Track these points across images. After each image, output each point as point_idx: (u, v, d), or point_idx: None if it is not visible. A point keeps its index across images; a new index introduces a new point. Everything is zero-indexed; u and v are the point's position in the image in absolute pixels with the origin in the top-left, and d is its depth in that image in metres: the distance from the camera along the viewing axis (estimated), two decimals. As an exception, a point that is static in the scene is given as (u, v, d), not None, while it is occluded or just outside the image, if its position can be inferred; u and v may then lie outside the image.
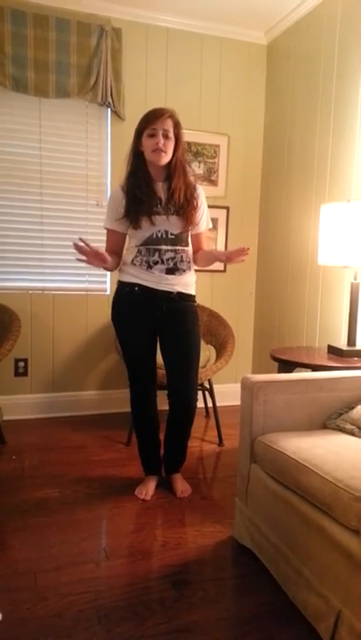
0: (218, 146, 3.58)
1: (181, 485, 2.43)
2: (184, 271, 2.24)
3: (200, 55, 3.49)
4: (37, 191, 3.29)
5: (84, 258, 2.10)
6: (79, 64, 3.14)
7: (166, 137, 2.10)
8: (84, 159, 3.36)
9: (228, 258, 2.12)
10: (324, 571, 1.47)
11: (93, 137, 3.36)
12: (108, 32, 3.16)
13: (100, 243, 3.40)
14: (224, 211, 3.63)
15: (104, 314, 3.46)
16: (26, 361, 3.38)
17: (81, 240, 2.07)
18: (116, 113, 3.29)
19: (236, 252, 2.08)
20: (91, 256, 2.10)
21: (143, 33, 3.34)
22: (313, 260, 3.00)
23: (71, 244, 3.43)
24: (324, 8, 2.94)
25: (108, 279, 3.45)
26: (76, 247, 2.07)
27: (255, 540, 1.85)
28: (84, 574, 1.78)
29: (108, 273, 3.40)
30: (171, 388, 2.33)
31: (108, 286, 3.46)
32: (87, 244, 2.08)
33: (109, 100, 3.22)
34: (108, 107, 3.28)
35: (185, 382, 2.30)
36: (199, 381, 2.90)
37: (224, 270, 3.72)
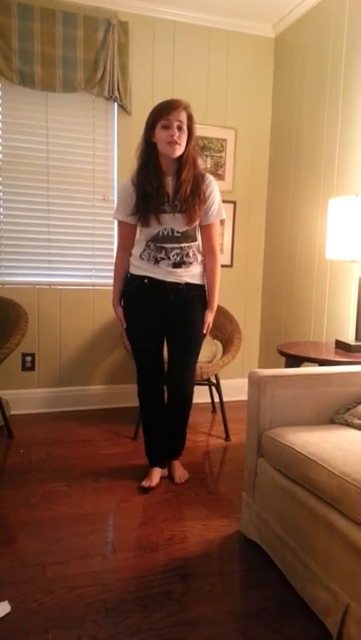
0: (225, 140, 3.57)
1: (179, 471, 2.47)
2: (191, 263, 2.27)
3: (207, 48, 3.47)
4: (44, 186, 3.29)
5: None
6: (86, 58, 3.13)
7: (180, 129, 2.10)
8: (90, 154, 3.35)
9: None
10: (331, 564, 1.47)
11: (100, 131, 3.35)
12: (114, 26, 3.15)
13: (106, 237, 3.42)
14: (231, 205, 3.62)
15: (111, 308, 3.46)
16: (33, 355, 3.39)
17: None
18: (122, 107, 3.29)
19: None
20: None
21: (150, 26, 3.33)
22: (321, 254, 2.98)
23: (78, 238, 3.47)
24: (333, 0, 2.91)
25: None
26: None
27: (262, 534, 1.85)
28: (91, 567, 1.79)
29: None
30: (169, 372, 2.40)
31: (114, 281, 3.47)
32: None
33: (116, 94, 3.21)
34: (114, 101, 3.27)
35: (183, 366, 2.37)
36: (206, 376, 2.91)
37: (231, 265, 3.71)
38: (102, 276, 3.46)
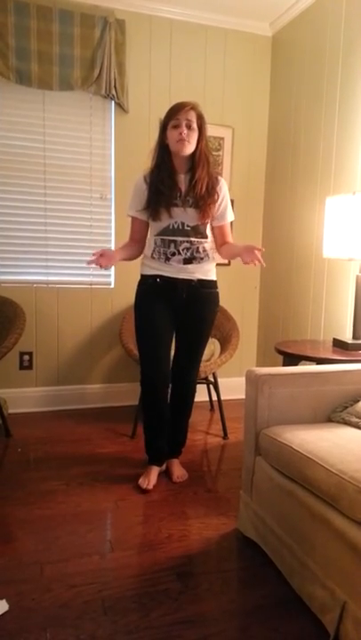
0: (222, 138, 3.56)
1: (178, 470, 2.48)
2: (202, 259, 2.30)
3: (204, 47, 3.47)
4: (41, 184, 3.28)
5: (95, 264, 2.15)
6: (83, 56, 3.12)
7: (189, 127, 2.16)
8: (87, 152, 3.34)
9: (244, 255, 2.15)
10: (329, 563, 1.48)
11: (97, 130, 3.34)
12: (111, 24, 3.14)
13: (104, 236, 3.42)
14: (228, 204, 3.61)
15: (108, 307, 3.48)
16: (31, 354, 3.39)
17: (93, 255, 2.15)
18: (119, 105, 3.28)
19: (250, 248, 2.14)
20: (100, 259, 2.14)
21: (147, 24, 3.32)
22: (318, 252, 2.99)
23: (75, 237, 3.47)
24: (330, -2, 2.92)
25: (112, 272, 3.45)
26: (90, 262, 2.14)
27: (260, 533, 1.86)
28: (89, 566, 1.79)
29: (113, 267, 3.40)
30: (174, 369, 2.42)
31: (112, 280, 3.46)
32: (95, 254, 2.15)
33: (113, 92, 3.21)
34: (111, 99, 3.26)
35: (188, 363, 2.42)
36: (203, 375, 2.91)
37: (228, 264, 3.70)
38: (100, 275, 3.45)
